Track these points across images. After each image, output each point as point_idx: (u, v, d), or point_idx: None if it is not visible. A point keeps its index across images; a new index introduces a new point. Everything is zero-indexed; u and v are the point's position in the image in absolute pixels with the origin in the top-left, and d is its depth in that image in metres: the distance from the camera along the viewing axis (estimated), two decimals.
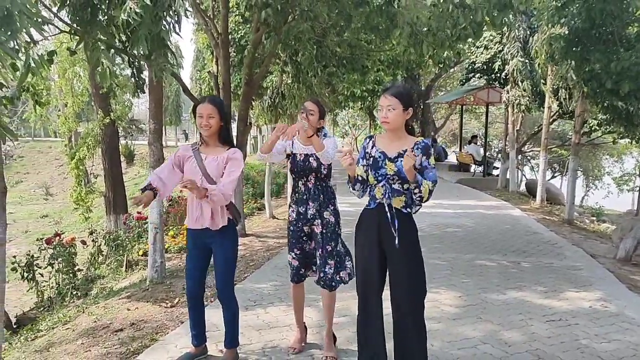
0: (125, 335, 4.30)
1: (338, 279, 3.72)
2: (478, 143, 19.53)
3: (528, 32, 13.41)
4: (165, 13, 4.51)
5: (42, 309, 7.17)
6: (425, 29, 6.41)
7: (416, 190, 2.96)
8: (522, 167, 28.17)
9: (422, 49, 6.31)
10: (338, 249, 3.74)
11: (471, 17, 5.45)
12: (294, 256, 3.79)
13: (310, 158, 3.70)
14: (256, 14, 7.55)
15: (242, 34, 10.36)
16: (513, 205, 12.35)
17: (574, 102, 10.56)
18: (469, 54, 16.84)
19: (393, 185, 3.08)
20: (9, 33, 3.40)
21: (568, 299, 5.18)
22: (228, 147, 3.53)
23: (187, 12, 6.19)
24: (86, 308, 5.58)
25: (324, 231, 3.69)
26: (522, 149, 19.60)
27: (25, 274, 7.20)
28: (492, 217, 10.43)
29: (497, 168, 18.52)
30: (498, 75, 15.55)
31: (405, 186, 3.07)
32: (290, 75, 9.97)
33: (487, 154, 18.58)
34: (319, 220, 3.70)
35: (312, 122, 3.66)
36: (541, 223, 9.84)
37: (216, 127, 3.45)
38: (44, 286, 7.45)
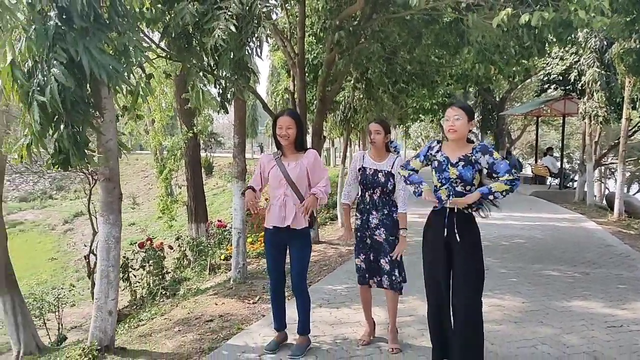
0: (215, 325, 4.90)
1: (401, 281, 4.10)
2: (554, 155, 19.11)
3: (605, 43, 13.15)
4: (249, 39, 5.08)
5: (135, 306, 7.96)
6: (492, 46, 6.65)
7: (491, 197, 3.35)
8: (605, 179, 27.04)
9: (488, 66, 6.56)
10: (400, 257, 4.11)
11: (534, 36, 5.66)
12: (361, 259, 4.21)
13: (379, 173, 4.09)
14: (330, 35, 8.06)
15: (315, 54, 10.92)
16: (588, 218, 12.10)
17: None
18: (544, 64, 16.65)
19: (456, 188, 3.45)
20: (125, 65, 4.08)
21: (633, 309, 5.25)
22: (304, 151, 4.05)
23: (268, 37, 6.77)
24: (179, 302, 6.26)
25: (389, 239, 4.06)
26: (602, 160, 18.94)
27: (121, 275, 8.03)
28: (565, 230, 10.35)
29: (577, 181, 18.02)
30: (575, 86, 15.26)
31: (468, 188, 3.43)
32: (361, 91, 10.42)
33: (567, 165, 18.11)
34: (383, 229, 4.07)
35: (378, 140, 4.09)
36: (616, 236, 9.67)
37: (294, 137, 3.98)
38: (137, 286, 8.26)
